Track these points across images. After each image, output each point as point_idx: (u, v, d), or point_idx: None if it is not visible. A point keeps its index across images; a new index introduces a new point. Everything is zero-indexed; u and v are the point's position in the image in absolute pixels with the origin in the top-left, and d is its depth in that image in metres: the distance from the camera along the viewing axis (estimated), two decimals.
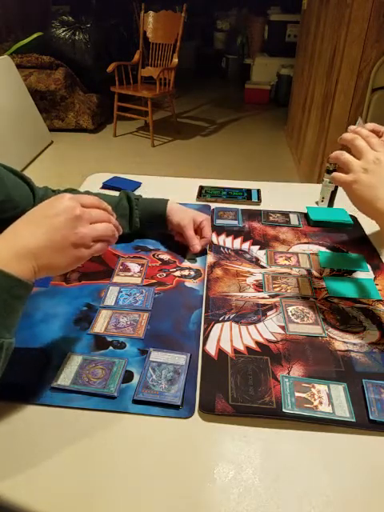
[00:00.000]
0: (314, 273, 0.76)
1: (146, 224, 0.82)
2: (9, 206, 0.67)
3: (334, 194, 0.97)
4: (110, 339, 0.60)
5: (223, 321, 0.64)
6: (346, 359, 0.58)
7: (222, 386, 0.53)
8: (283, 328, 0.63)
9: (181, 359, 0.56)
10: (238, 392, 0.52)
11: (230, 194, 1.03)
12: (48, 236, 0.46)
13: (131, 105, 3.66)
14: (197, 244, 0.77)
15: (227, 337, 0.61)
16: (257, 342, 0.60)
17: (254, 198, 1.02)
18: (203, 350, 0.58)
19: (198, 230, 0.80)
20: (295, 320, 0.64)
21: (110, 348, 0.59)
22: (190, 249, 0.78)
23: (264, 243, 0.85)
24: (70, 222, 0.47)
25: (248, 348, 0.59)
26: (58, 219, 0.46)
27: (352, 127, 0.60)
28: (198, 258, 0.79)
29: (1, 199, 0.66)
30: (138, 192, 1.03)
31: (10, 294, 0.43)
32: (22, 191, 0.73)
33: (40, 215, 0.47)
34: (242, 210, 0.97)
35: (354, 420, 0.49)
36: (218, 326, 0.63)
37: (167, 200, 0.82)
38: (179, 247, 0.81)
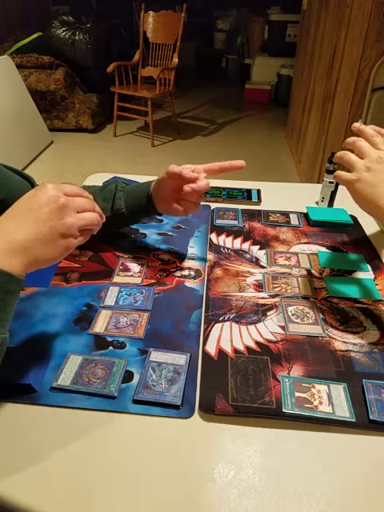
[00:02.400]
0: (314, 273, 0.76)
1: (131, 208, 0.76)
2: (11, 204, 0.67)
3: (334, 193, 0.97)
4: (109, 339, 0.60)
5: (223, 321, 0.64)
6: (346, 359, 0.58)
7: (222, 385, 0.53)
8: (283, 328, 0.63)
9: (181, 359, 0.56)
10: (238, 392, 0.52)
11: (230, 194, 1.03)
12: (35, 228, 0.46)
13: (131, 105, 3.66)
14: (198, 177, 0.67)
15: (227, 337, 0.61)
16: (257, 342, 0.60)
17: (254, 198, 1.02)
18: (203, 350, 0.58)
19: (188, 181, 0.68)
20: (295, 320, 0.64)
21: (110, 348, 0.59)
22: (190, 183, 0.67)
23: (264, 243, 0.85)
24: (56, 213, 0.47)
25: (248, 348, 0.59)
26: (44, 210, 0.46)
27: (356, 125, 0.60)
28: (197, 258, 0.79)
29: (2, 198, 0.66)
30: None
31: (2, 290, 0.43)
32: (25, 190, 0.73)
33: (24, 208, 0.47)
34: (242, 209, 0.97)
35: (354, 420, 0.49)
36: (218, 326, 0.63)
37: (151, 181, 0.76)
38: (179, 247, 0.81)
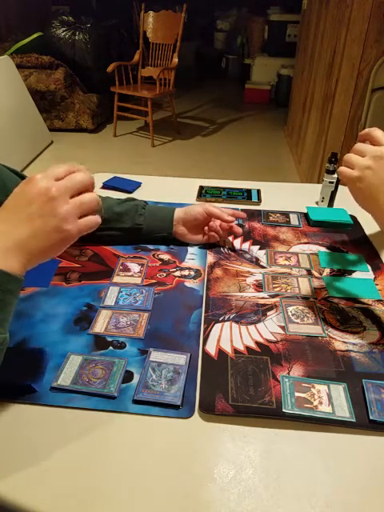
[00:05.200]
0: (314, 273, 0.76)
1: (150, 227, 0.80)
2: None
3: (334, 193, 0.97)
4: (110, 339, 0.60)
5: (223, 321, 0.64)
6: (346, 359, 0.58)
7: (222, 385, 0.53)
8: (283, 328, 0.63)
9: (181, 359, 0.56)
10: (238, 392, 0.52)
11: (230, 194, 1.03)
12: (29, 226, 0.44)
13: (131, 105, 3.66)
14: (232, 213, 0.82)
15: (227, 337, 0.61)
16: (257, 342, 0.60)
17: (254, 198, 1.02)
18: (203, 350, 0.58)
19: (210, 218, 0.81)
20: (295, 320, 0.64)
21: (110, 348, 0.59)
22: (224, 224, 0.80)
23: (264, 243, 0.85)
24: (48, 206, 0.44)
25: (248, 348, 0.59)
26: (34, 206, 0.44)
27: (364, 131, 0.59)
28: (197, 258, 0.79)
29: (2, 199, 0.66)
30: (138, 192, 1.04)
31: (1, 289, 0.43)
32: None
33: (15, 205, 0.45)
34: (242, 210, 0.97)
35: (354, 420, 0.49)
36: (218, 326, 0.63)
37: (174, 208, 0.82)
38: (179, 247, 0.81)
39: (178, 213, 0.81)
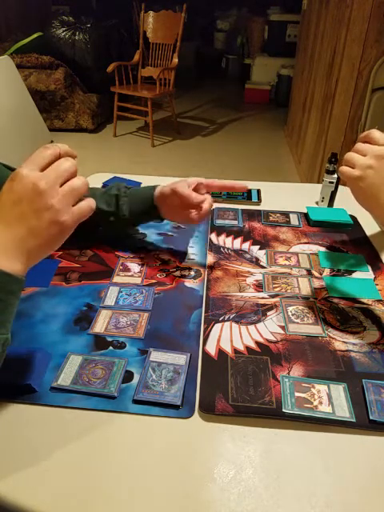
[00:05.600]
0: (314, 273, 0.76)
1: (135, 214, 0.77)
2: None
3: (334, 194, 0.97)
4: (110, 339, 0.60)
5: (223, 321, 0.64)
6: (346, 359, 0.58)
7: (222, 385, 0.53)
8: (283, 328, 0.63)
9: (181, 359, 0.56)
10: (238, 392, 0.52)
11: (230, 194, 1.03)
12: (24, 225, 0.43)
13: (131, 105, 3.66)
14: (205, 200, 0.71)
15: (227, 337, 0.61)
16: (257, 342, 0.60)
17: (254, 198, 1.02)
18: (203, 350, 0.58)
19: (195, 190, 0.72)
20: (295, 320, 0.64)
21: (110, 348, 0.59)
22: (198, 211, 0.72)
23: (264, 243, 0.85)
24: (38, 201, 0.42)
25: (248, 348, 0.59)
26: (25, 203, 0.42)
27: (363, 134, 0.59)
28: (197, 258, 0.79)
29: None
30: None
31: (2, 291, 0.42)
32: None
33: (5, 204, 0.43)
34: (242, 209, 0.97)
35: (354, 420, 0.49)
36: (218, 326, 0.63)
37: (156, 185, 0.76)
38: (179, 247, 0.81)
39: (157, 194, 0.75)
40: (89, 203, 0.46)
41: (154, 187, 0.76)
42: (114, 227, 0.79)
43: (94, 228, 0.80)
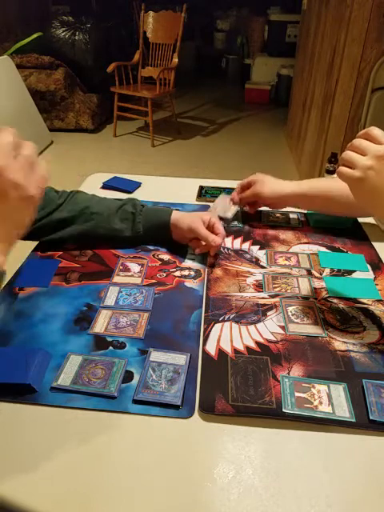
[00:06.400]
0: (314, 273, 0.76)
1: (149, 233, 0.80)
2: None
3: None
4: (110, 339, 0.60)
5: (223, 321, 0.64)
6: (346, 359, 0.58)
7: (222, 385, 0.53)
8: (283, 328, 0.63)
9: (181, 359, 0.56)
10: (238, 392, 0.52)
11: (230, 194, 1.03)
12: None
13: (131, 105, 3.66)
14: (216, 238, 0.75)
15: (227, 337, 0.61)
16: (257, 342, 0.60)
17: None
18: (203, 350, 0.58)
19: (209, 229, 0.78)
20: (295, 320, 0.64)
21: (110, 348, 0.59)
22: (209, 247, 0.76)
23: (264, 243, 0.85)
24: (1, 181, 0.41)
25: (248, 348, 0.59)
26: None
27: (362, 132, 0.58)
28: (197, 258, 0.79)
29: None
30: (138, 192, 1.03)
31: None
32: None
33: None
34: (242, 209, 0.97)
35: (354, 420, 0.49)
36: (218, 326, 0.63)
37: (171, 209, 0.81)
38: (179, 247, 0.81)
39: (173, 220, 0.79)
40: (43, 169, 0.45)
41: (169, 212, 0.80)
42: (125, 242, 0.81)
43: (104, 241, 0.81)
